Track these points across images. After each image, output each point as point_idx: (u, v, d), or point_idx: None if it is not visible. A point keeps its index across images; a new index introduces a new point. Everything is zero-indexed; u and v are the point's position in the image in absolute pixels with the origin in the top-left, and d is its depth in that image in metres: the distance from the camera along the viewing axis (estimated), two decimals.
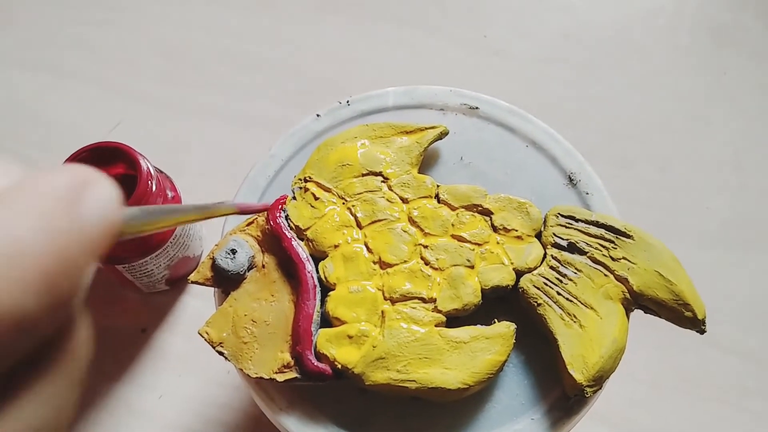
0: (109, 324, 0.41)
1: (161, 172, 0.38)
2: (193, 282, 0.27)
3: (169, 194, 0.37)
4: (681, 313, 0.26)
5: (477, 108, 0.31)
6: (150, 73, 0.50)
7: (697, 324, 0.26)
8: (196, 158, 0.46)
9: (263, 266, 0.27)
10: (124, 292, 0.42)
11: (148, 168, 0.35)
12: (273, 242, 0.28)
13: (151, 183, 0.34)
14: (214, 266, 0.27)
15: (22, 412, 0.12)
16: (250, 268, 0.27)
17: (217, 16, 0.52)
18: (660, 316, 0.26)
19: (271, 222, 0.27)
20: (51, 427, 0.13)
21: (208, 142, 0.47)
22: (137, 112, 0.48)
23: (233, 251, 0.27)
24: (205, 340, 0.26)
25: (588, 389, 0.24)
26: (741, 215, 0.43)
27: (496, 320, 0.26)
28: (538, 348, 0.26)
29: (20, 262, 0.11)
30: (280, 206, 0.28)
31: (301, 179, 0.29)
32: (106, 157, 0.35)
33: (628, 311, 0.26)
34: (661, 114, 0.46)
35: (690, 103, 0.47)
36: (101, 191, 0.13)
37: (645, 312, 0.27)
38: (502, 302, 0.27)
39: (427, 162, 0.30)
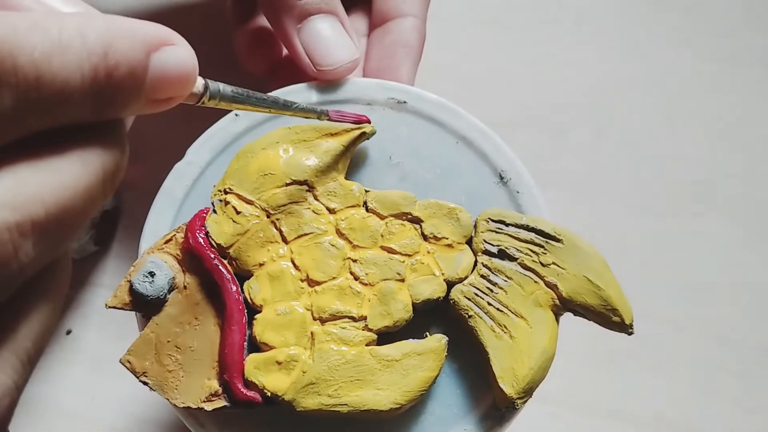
0: None
1: None
2: (110, 307, 0.26)
3: None
4: (609, 318, 0.26)
5: (405, 102, 0.30)
6: None
7: (624, 328, 0.26)
8: None
9: (185, 287, 0.26)
10: None
11: None
12: (194, 261, 0.26)
13: None
14: (132, 291, 0.26)
15: (22, 336, 0.14)
16: (171, 290, 0.26)
17: None
18: (588, 319, 0.27)
19: (191, 241, 0.26)
20: (39, 348, 0.15)
21: None
22: None
23: (151, 273, 0.26)
24: (128, 369, 0.25)
25: (518, 401, 0.25)
26: (673, 183, 0.43)
27: (428, 333, 0.26)
28: (470, 356, 0.26)
29: (81, 43, 0.13)
30: (200, 222, 0.26)
31: (221, 191, 0.27)
32: None
33: (557, 316, 0.26)
34: (596, 78, 0.46)
35: (625, 65, 0.46)
36: (181, 49, 0.16)
37: (574, 315, 0.27)
38: (435, 311, 0.27)
39: (354, 163, 0.29)
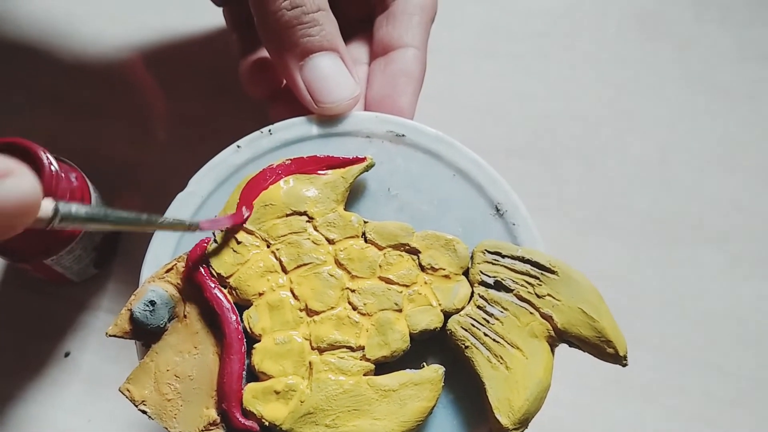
0: (30, 349, 0.39)
1: (63, 161, 0.38)
2: (111, 335, 0.26)
3: (74, 182, 0.37)
4: (603, 349, 0.26)
5: (403, 135, 0.30)
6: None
7: (618, 359, 0.26)
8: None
9: (185, 316, 0.26)
10: (44, 314, 0.40)
11: (49, 162, 0.35)
12: (194, 290, 0.27)
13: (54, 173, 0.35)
14: (133, 319, 0.26)
15: None
16: (171, 319, 0.26)
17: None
18: (583, 350, 0.27)
19: (192, 270, 0.26)
20: None
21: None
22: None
23: (152, 302, 0.26)
24: (127, 398, 0.26)
25: None
26: (666, 213, 0.44)
27: (425, 363, 0.26)
28: (466, 386, 0.27)
29: None
30: (201, 251, 0.27)
31: None
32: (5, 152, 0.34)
33: (552, 347, 0.27)
34: (591, 110, 0.47)
35: (619, 97, 0.47)
36: (20, 180, 0.16)
37: (569, 346, 0.27)
38: (432, 341, 0.27)
39: (353, 194, 0.29)
